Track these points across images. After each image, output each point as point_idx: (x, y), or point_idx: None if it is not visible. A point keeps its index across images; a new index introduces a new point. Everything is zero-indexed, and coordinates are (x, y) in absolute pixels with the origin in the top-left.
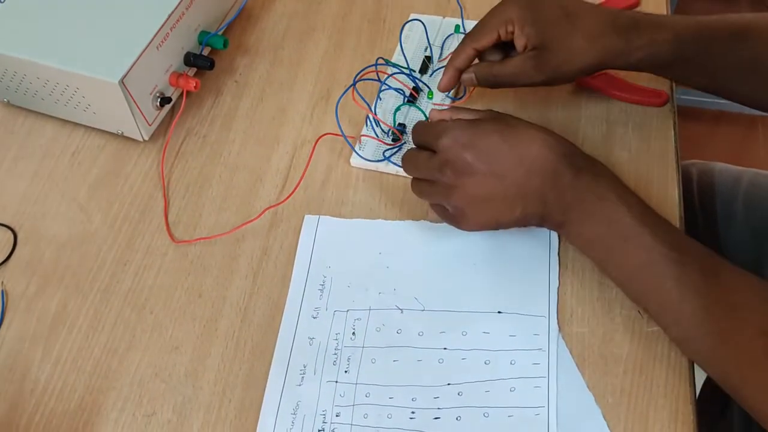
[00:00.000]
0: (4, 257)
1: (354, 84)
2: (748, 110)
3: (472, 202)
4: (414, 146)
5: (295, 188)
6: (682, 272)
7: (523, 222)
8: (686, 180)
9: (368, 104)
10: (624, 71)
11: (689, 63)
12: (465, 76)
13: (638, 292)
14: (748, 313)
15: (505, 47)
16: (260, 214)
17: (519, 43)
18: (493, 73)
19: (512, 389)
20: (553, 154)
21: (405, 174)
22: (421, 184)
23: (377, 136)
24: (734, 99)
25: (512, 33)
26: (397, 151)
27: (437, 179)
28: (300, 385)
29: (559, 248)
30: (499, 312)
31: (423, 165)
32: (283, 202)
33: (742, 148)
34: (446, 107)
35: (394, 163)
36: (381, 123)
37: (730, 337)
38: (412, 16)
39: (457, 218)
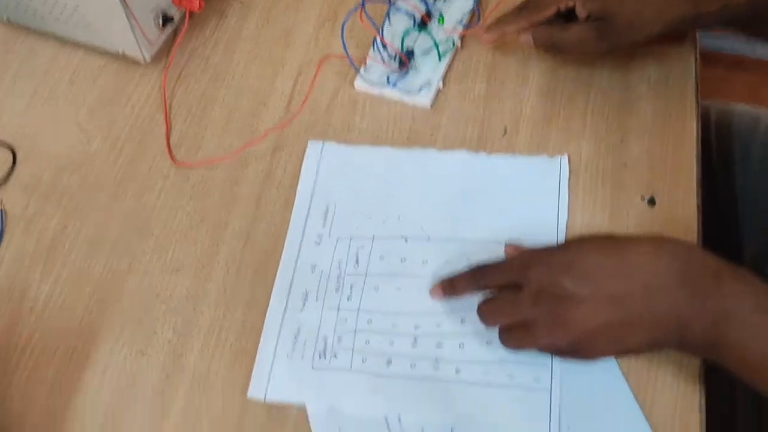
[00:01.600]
0: (4, 176)
1: (363, 4)
2: (766, 57)
3: (585, 333)
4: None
5: (299, 111)
6: None
7: (656, 347)
8: (704, 120)
9: (376, 26)
10: None
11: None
12: (523, 38)
13: None
14: None
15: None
16: (263, 136)
17: (581, 12)
18: (553, 40)
19: None
20: (675, 260)
21: (412, 102)
22: (515, 333)
23: (383, 60)
24: None
25: (572, 4)
26: (403, 77)
27: (533, 318)
28: (302, 310)
29: (569, 179)
30: (505, 243)
31: (509, 309)
32: (286, 124)
33: (761, 93)
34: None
35: (399, 89)
36: (388, 47)
37: None
38: None
39: (574, 352)
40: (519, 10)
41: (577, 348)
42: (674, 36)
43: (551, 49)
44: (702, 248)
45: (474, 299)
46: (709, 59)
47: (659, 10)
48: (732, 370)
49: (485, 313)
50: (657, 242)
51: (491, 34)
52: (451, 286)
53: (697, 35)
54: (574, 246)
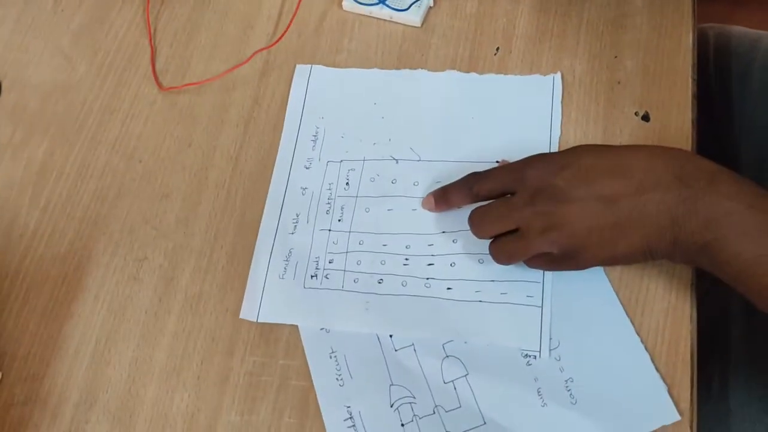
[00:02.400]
0: None
1: None
2: None
3: (578, 235)
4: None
5: (285, 31)
6: None
7: (649, 252)
8: (703, 42)
9: None
10: None
11: None
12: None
13: None
14: None
15: None
16: (250, 58)
17: None
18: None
19: None
20: (667, 160)
21: (402, 21)
22: (506, 243)
23: None
24: None
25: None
26: None
27: (526, 223)
28: (292, 233)
29: (562, 97)
30: (497, 162)
31: (503, 212)
32: (273, 45)
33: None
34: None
35: (390, 7)
36: None
37: None
38: None
39: (567, 259)
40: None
41: (569, 252)
42: None
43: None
44: (698, 155)
45: (461, 224)
46: None
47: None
48: (724, 272)
49: (477, 221)
50: (652, 147)
51: (428, 201)
52: (443, 197)
53: None
54: (570, 150)
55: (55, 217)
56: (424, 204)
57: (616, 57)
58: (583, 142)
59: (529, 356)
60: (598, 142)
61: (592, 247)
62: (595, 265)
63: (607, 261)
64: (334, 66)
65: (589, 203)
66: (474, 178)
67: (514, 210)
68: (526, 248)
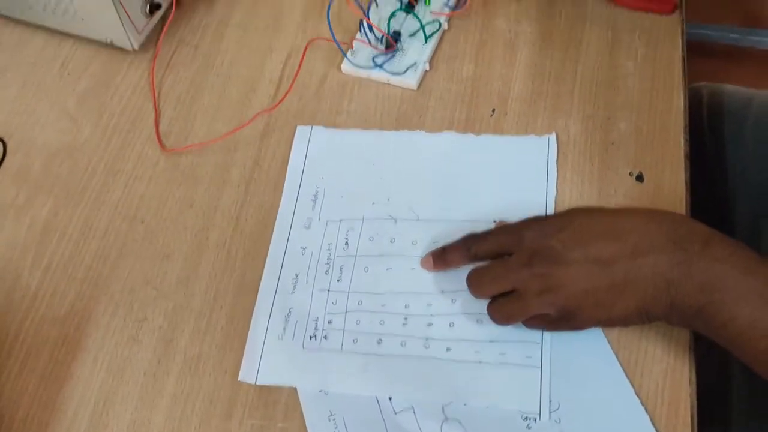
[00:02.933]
0: None
1: None
2: (763, 45)
3: (575, 297)
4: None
5: (286, 94)
6: None
7: (645, 315)
8: (696, 101)
9: (363, 9)
10: None
11: None
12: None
13: None
14: None
15: None
16: (251, 120)
17: None
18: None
19: None
20: (662, 223)
21: (400, 84)
22: (504, 304)
23: (370, 42)
24: None
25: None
26: (389, 59)
27: (524, 284)
28: (292, 293)
29: (557, 157)
30: (494, 221)
31: (501, 273)
32: (274, 107)
33: (756, 83)
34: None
35: (386, 71)
36: (375, 29)
37: None
38: None
39: (564, 321)
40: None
41: (566, 314)
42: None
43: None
44: (691, 218)
45: (460, 284)
46: (704, 50)
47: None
48: (720, 336)
49: (475, 282)
50: (647, 210)
51: (427, 261)
52: (442, 257)
53: (683, 2)
54: (566, 212)
55: (56, 278)
56: (423, 264)
57: (609, 118)
58: (579, 202)
59: (529, 419)
60: (594, 203)
61: (588, 308)
62: (593, 326)
63: (605, 323)
64: (334, 127)
65: (585, 265)
66: (472, 239)
67: (512, 271)
68: (524, 309)
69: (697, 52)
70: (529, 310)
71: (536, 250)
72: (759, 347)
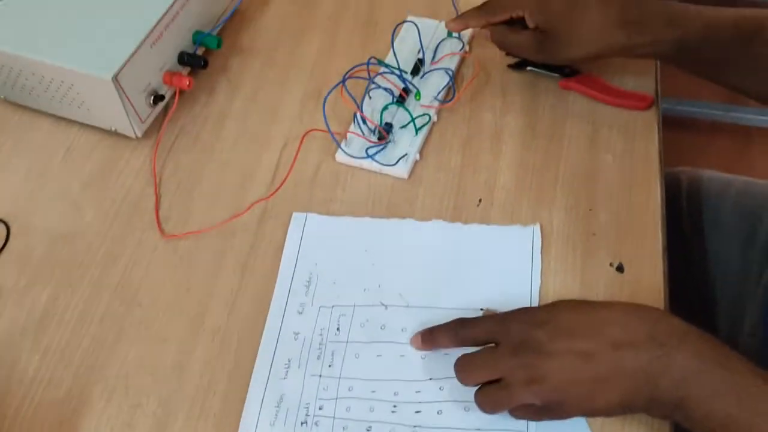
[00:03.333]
0: None
1: (344, 80)
2: (743, 121)
3: (559, 388)
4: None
5: (283, 182)
6: None
7: (627, 407)
8: (675, 187)
9: (356, 102)
10: (609, 76)
11: (694, 60)
12: (483, 31)
13: None
14: None
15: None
16: (248, 208)
17: (530, 23)
18: (505, 40)
19: None
20: (643, 320)
21: (390, 173)
22: (491, 392)
23: (363, 133)
24: (738, 92)
25: (522, 17)
26: (381, 149)
27: (510, 374)
28: (284, 378)
29: (541, 247)
30: (481, 309)
31: (488, 361)
32: (270, 196)
33: (738, 158)
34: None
35: (378, 162)
36: (368, 121)
37: None
38: (408, 18)
39: (549, 411)
40: (479, 9)
41: (551, 405)
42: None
43: (502, 48)
44: (669, 312)
45: (448, 371)
46: (685, 125)
47: (596, 36)
48: (698, 429)
49: (463, 368)
50: (627, 305)
51: (456, 23)
52: (430, 337)
53: (659, 99)
54: (551, 305)
55: (54, 363)
56: (412, 342)
57: (590, 209)
58: (563, 292)
59: None
60: (576, 293)
61: (572, 399)
62: (577, 416)
63: (588, 413)
64: (328, 214)
65: (568, 357)
66: (461, 323)
67: (499, 360)
68: (510, 398)
69: (680, 127)
70: (514, 400)
71: (522, 340)
72: None
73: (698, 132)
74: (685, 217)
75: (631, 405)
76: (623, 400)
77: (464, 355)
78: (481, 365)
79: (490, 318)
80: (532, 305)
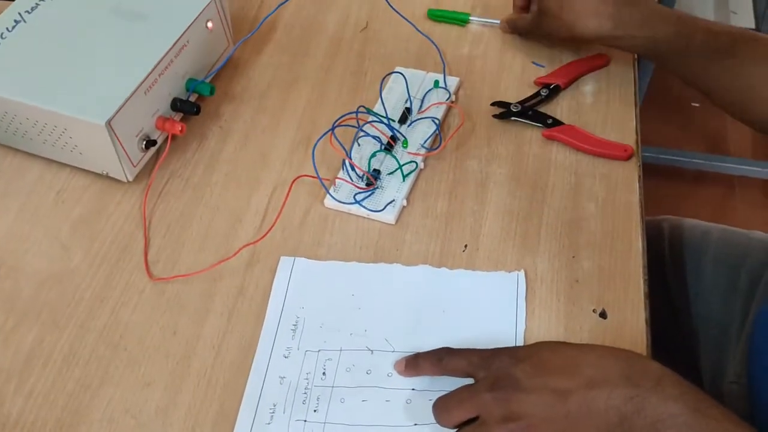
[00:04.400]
0: None
1: (333, 128)
2: (725, 170)
3: (534, 426)
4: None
5: (271, 227)
6: None
7: None
8: (658, 235)
9: (345, 149)
10: (591, 127)
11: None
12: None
13: None
14: None
15: None
16: (237, 252)
17: (533, 5)
18: (515, 22)
19: None
20: (617, 359)
21: (378, 218)
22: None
23: (351, 180)
24: (715, 103)
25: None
26: (369, 195)
27: (487, 410)
28: (269, 423)
29: (526, 293)
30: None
31: (465, 397)
32: (259, 240)
33: (720, 206)
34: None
35: (365, 207)
36: (356, 168)
37: None
38: (396, 69)
39: None
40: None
41: None
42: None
43: (514, 28)
44: (648, 357)
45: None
46: (672, 173)
47: (593, 19)
48: None
49: (440, 408)
50: (605, 347)
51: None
52: (414, 363)
53: (640, 149)
54: (534, 344)
55: (38, 405)
56: (396, 367)
57: (573, 257)
58: (547, 337)
59: None
60: (561, 337)
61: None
62: None
63: None
64: (316, 258)
65: (543, 394)
66: (447, 351)
67: (475, 396)
68: None
69: (663, 175)
70: None
71: (499, 377)
72: None
73: (681, 180)
74: (667, 264)
75: None
76: None
77: (441, 397)
78: (458, 403)
79: (475, 351)
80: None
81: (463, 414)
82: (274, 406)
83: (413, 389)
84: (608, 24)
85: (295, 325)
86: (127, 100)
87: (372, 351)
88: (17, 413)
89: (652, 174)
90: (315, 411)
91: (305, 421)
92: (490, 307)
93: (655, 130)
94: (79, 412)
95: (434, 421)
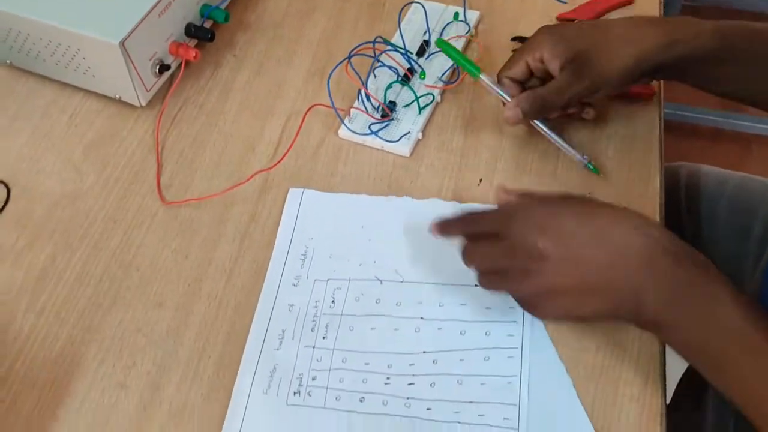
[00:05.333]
0: None
1: (349, 57)
2: (742, 128)
3: (543, 291)
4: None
5: (285, 154)
6: None
7: (611, 318)
8: (674, 181)
9: (361, 78)
10: None
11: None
12: (508, 114)
13: (754, 405)
14: None
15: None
16: (249, 178)
17: (553, 66)
18: (536, 94)
19: (486, 358)
20: (643, 238)
21: (393, 151)
22: (491, 278)
23: (367, 110)
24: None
25: (541, 61)
26: (384, 127)
27: (506, 267)
28: (278, 349)
29: None
30: (476, 285)
31: (489, 255)
32: (272, 167)
33: (735, 164)
34: (514, 191)
35: (380, 137)
36: (372, 98)
37: None
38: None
39: (528, 307)
40: (498, 74)
41: (539, 300)
42: (650, 75)
43: (541, 105)
44: (671, 232)
45: (442, 345)
46: (687, 131)
47: (627, 37)
48: (673, 348)
49: (468, 255)
50: (630, 218)
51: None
52: (444, 226)
53: (662, 91)
54: (555, 207)
55: (49, 322)
56: (431, 229)
57: (590, 193)
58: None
59: None
60: None
61: (559, 301)
62: (554, 320)
63: (573, 318)
64: (329, 188)
65: (562, 264)
66: (471, 219)
67: (498, 256)
68: (505, 286)
69: (679, 133)
70: (505, 288)
71: (520, 243)
72: (707, 365)
73: (697, 138)
74: (683, 209)
75: (617, 317)
76: (609, 312)
77: (470, 245)
78: (484, 257)
79: (496, 215)
80: None
81: (486, 267)
82: (283, 332)
83: (422, 318)
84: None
85: (304, 254)
86: (141, 21)
87: (381, 281)
88: (29, 329)
89: (668, 130)
90: (324, 338)
91: (314, 347)
92: None
93: (671, 87)
94: (91, 329)
95: (443, 350)
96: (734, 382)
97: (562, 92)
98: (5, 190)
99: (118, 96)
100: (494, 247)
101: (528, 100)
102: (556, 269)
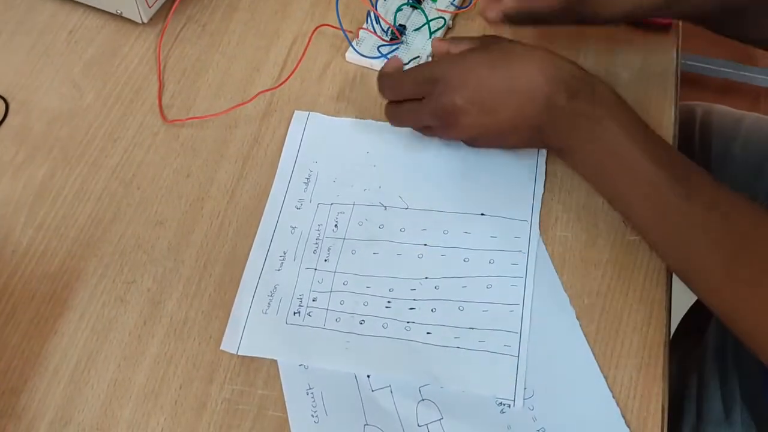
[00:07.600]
0: None
1: None
2: (753, 81)
3: (466, 138)
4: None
5: (290, 75)
6: (688, 207)
7: (528, 146)
8: (690, 119)
9: (371, 0)
10: None
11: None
12: (491, 14)
13: (642, 225)
14: (755, 246)
15: None
16: (253, 98)
17: None
18: (529, 9)
19: (489, 286)
20: (546, 79)
21: None
22: (422, 131)
23: (376, 32)
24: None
25: None
26: (394, 50)
27: (431, 125)
28: (279, 270)
29: (547, 156)
30: (482, 214)
31: (414, 115)
32: (277, 87)
33: None
34: (445, 41)
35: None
36: (381, 20)
37: (737, 271)
38: None
39: (468, 144)
40: None
41: (467, 142)
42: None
43: (530, 20)
44: (578, 70)
45: (445, 271)
46: (697, 82)
47: None
48: (579, 173)
49: (392, 115)
50: (541, 59)
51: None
52: (380, 88)
53: (680, 36)
54: (471, 60)
55: (48, 236)
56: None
57: None
58: (566, 204)
59: (504, 404)
60: (580, 208)
61: (483, 141)
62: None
63: (499, 147)
64: (334, 112)
65: (477, 115)
66: (399, 80)
67: (422, 115)
68: (429, 134)
69: (690, 84)
70: (432, 135)
71: (441, 104)
72: (602, 185)
73: (706, 90)
74: (696, 148)
75: (533, 145)
76: (523, 143)
77: (393, 106)
78: (409, 117)
79: (420, 77)
80: (534, 210)
81: (410, 123)
82: (284, 253)
83: (425, 244)
84: None
85: (308, 178)
86: None
87: (385, 207)
88: (27, 243)
89: None
90: (326, 260)
91: (315, 269)
92: (507, 170)
93: (684, 37)
94: (91, 244)
95: (446, 276)
96: (618, 197)
97: (554, 14)
98: (3, 104)
99: (119, 12)
100: (419, 107)
101: (518, 8)
102: (474, 122)
